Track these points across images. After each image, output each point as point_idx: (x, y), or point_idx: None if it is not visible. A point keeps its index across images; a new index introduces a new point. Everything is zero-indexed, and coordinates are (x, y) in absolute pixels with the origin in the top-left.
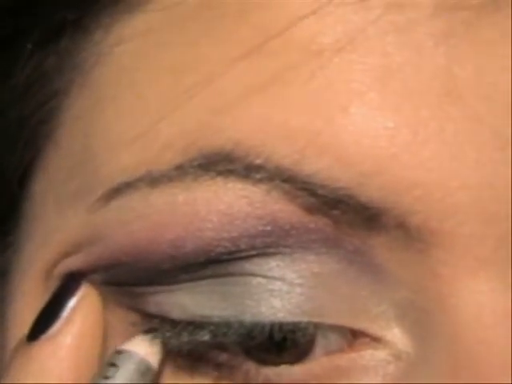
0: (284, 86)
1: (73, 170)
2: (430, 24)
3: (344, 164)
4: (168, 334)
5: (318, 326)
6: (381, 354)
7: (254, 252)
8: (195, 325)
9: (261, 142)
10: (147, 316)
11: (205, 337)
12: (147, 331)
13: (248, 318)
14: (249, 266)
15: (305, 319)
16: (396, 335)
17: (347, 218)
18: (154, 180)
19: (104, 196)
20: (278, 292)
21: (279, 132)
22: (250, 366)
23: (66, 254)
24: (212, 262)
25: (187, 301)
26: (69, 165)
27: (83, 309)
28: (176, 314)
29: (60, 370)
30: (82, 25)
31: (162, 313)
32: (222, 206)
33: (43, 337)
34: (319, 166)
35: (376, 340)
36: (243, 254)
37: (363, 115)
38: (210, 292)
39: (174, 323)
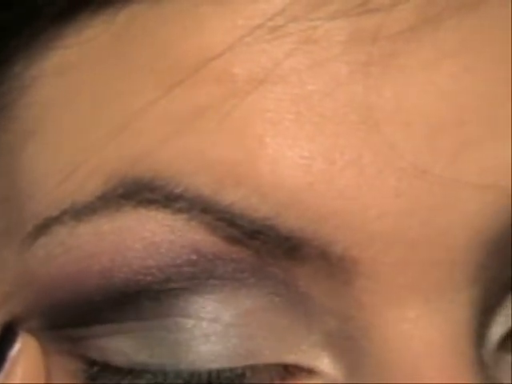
0: (201, 118)
1: (1, 208)
2: (345, 53)
3: (261, 194)
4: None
5: (254, 368)
6: None
7: (185, 283)
8: (134, 374)
9: (180, 171)
10: (88, 363)
11: None
12: (88, 377)
13: (184, 366)
14: (183, 303)
15: (241, 363)
16: (328, 365)
17: (268, 248)
18: (78, 212)
19: (32, 233)
20: (213, 336)
21: (198, 162)
22: None
23: (6, 297)
24: (144, 295)
25: (126, 346)
26: None
27: (23, 360)
28: (117, 360)
29: None
30: (1, 58)
31: (103, 358)
32: (147, 234)
33: None
34: (237, 196)
35: (308, 371)
36: (175, 286)
37: (278, 145)
38: (146, 337)
39: (114, 371)
